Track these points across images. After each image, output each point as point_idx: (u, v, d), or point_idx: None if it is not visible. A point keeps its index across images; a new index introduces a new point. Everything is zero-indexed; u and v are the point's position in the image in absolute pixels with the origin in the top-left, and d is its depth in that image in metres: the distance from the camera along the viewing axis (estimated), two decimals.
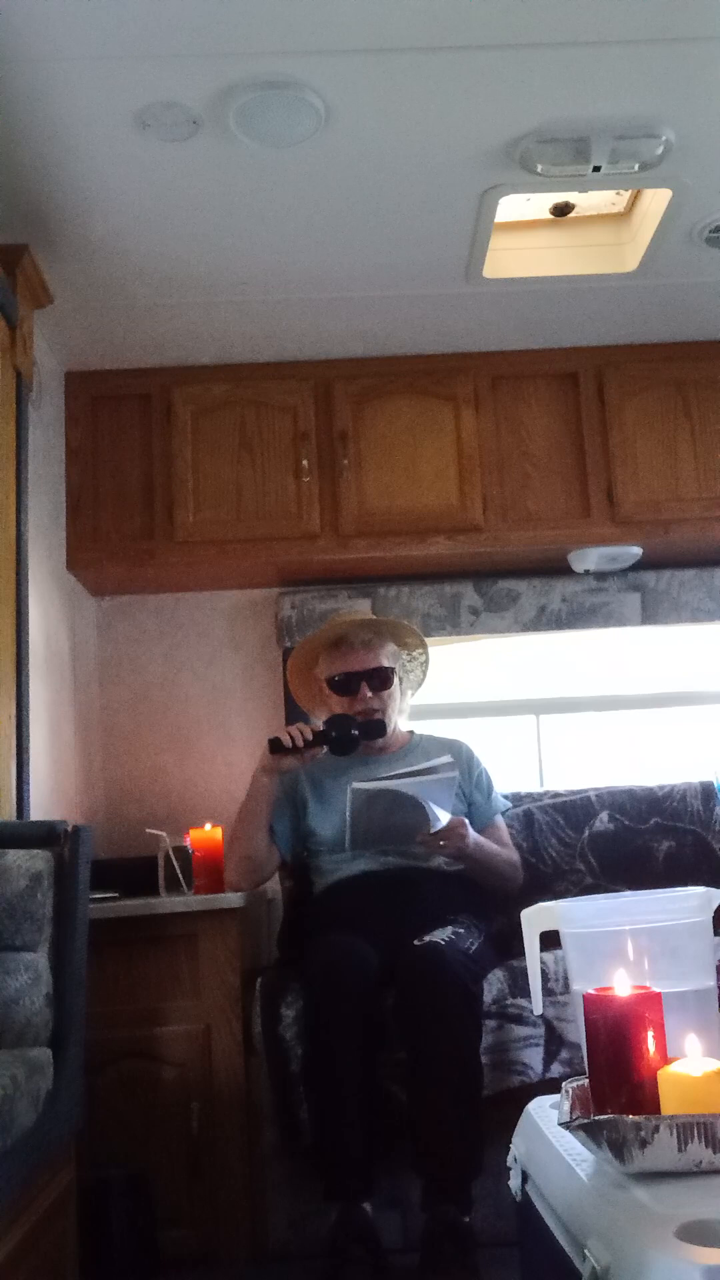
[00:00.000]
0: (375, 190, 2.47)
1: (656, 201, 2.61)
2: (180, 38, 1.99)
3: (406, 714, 2.82)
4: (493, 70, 2.12)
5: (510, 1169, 1.62)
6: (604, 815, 2.96)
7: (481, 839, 2.55)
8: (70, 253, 2.62)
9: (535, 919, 1.69)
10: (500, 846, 2.64)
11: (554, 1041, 2.29)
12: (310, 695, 2.82)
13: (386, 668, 2.67)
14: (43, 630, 2.78)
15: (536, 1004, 1.74)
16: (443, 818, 2.40)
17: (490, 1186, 2.09)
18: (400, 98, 2.18)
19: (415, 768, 2.43)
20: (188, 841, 2.65)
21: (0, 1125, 1.53)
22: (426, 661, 2.85)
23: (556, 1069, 2.27)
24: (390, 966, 2.22)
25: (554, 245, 2.85)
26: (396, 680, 2.70)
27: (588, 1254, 1.12)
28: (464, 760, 2.70)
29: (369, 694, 2.63)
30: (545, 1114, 1.58)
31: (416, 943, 2.23)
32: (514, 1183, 1.60)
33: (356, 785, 2.39)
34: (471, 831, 2.49)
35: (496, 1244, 2.06)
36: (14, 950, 1.90)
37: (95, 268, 2.70)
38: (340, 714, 2.62)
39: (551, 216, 2.81)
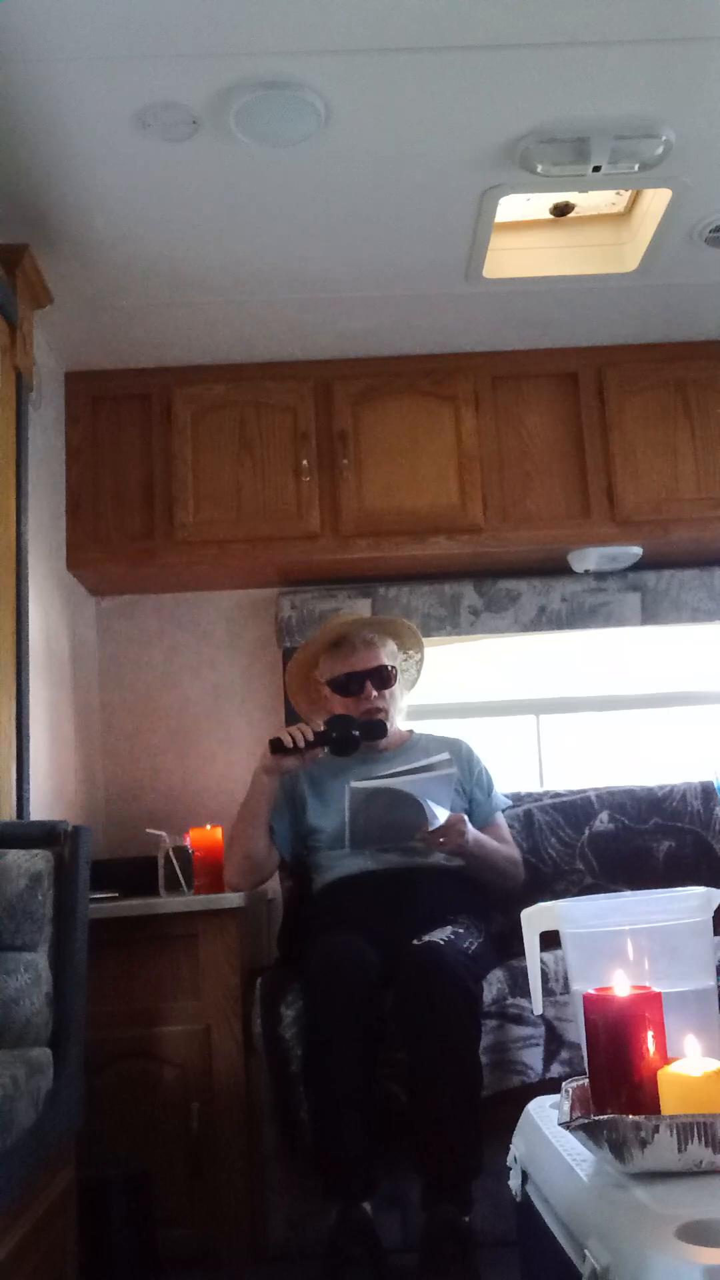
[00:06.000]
0: (375, 190, 2.47)
1: (656, 201, 2.61)
2: (180, 38, 1.99)
3: (404, 713, 2.82)
4: (493, 70, 2.12)
5: (510, 1169, 1.62)
6: (604, 815, 2.96)
7: (481, 836, 2.55)
8: (70, 253, 2.62)
9: (535, 919, 1.69)
10: (501, 843, 2.64)
11: (554, 1041, 2.29)
12: (310, 700, 2.81)
13: (389, 666, 2.68)
14: (43, 630, 2.78)
15: (536, 1004, 1.74)
16: (440, 815, 2.41)
17: (490, 1186, 2.08)
18: (400, 98, 2.18)
19: (413, 765, 2.43)
20: (188, 841, 2.65)
21: (0, 1125, 1.53)
22: (421, 660, 2.86)
23: (556, 1069, 2.27)
24: (390, 966, 2.22)
25: (554, 245, 2.85)
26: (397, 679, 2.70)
27: (588, 1254, 1.12)
28: (464, 758, 2.70)
29: (374, 693, 2.63)
30: (545, 1114, 1.58)
31: (416, 942, 2.22)
32: (514, 1183, 1.60)
33: (354, 784, 2.39)
34: (470, 828, 2.49)
35: (496, 1244, 2.07)
36: (14, 950, 1.90)
37: (95, 268, 2.70)
38: (341, 714, 2.62)
39: (551, 216, 2.81)
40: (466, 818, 2.51)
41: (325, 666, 2.71)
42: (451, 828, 2.43)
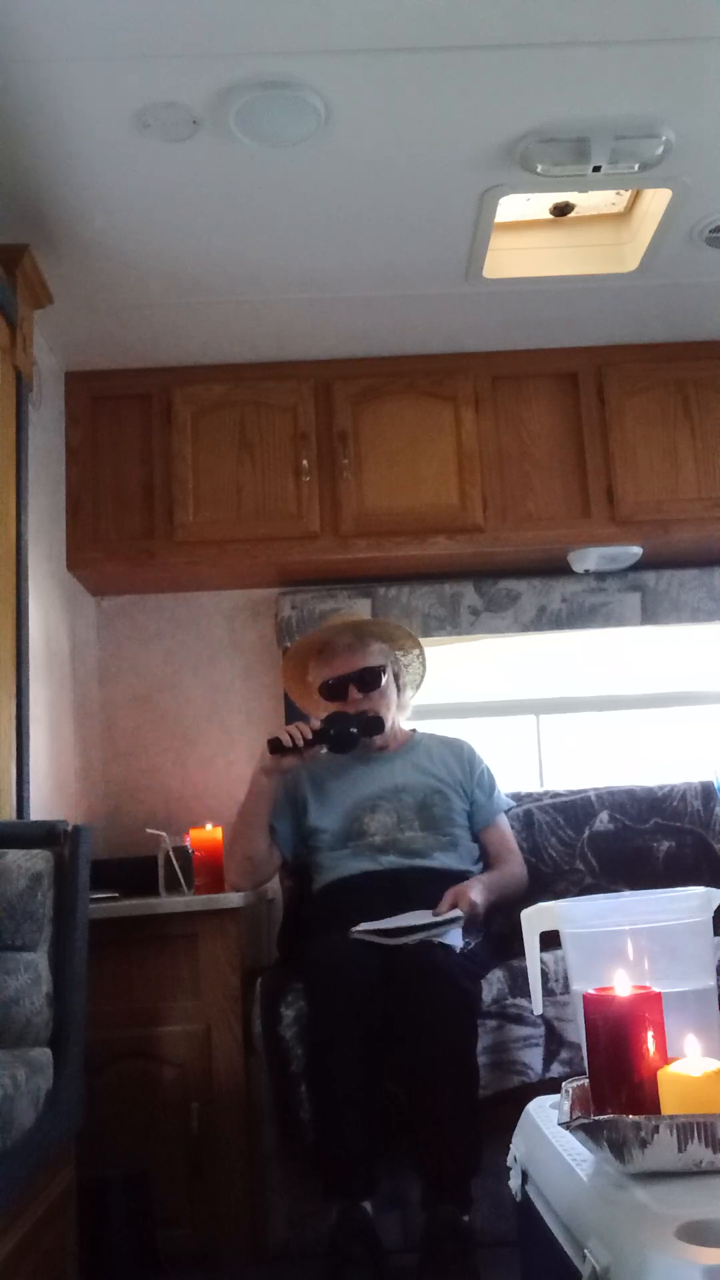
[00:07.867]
0: (375, 190, 2.47)
1: (656, 201, 2.61)
2: (180, 38, 1.99)
3: (408, 712, 2.82)
4: (493, 70, 2.12)
5: (510, 1169, 1.62)
6: (604, 815, 2.95)
7: (488, 885, 2.49)
8: (70, 253, 2.62)
9: (535, 919, 1.69)
10: (503, 851, 2.64)
11: (554, 1041, 2.29)
12: (309, 700, 2.82)
13: (373, 668, 2.66)
14: (43, 630, 2.78)
15: (536, 1004, 1.74)
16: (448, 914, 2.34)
17: (490, 1186, 2.09)
18: (400, 98, 2.18)
19: (418, 923, 2.30)
20: (188, 841, 2.65)
21: (0, 1125, 1.53)
22: (423, 658, 2.85)
23: (556, 1069, 2.27)
24: (390, 966, 2.22)
25: (554, 245, 2.85)
26: (389, 678, 2.69)
27: (588, 1254, 1.12)
28: (465, 758, 2.71)
29: (357, 696, 2.62)
30: (545, 1114, 1.58)
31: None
32: (514, 1183, 1.60)
33: (355, 932, 2.29)
34: (475, 893, 2.41)
35: (496, 1244, 2.07)
36: (14, 950, 1.90)
37: (95, 268, 2.70)
38: (339, 711, 2.61)
39: (551, 216, 2.81)
40: (471, 887, 2.43)
41: (313, 673, 2.72)
42: (462, 896, 2.38)
